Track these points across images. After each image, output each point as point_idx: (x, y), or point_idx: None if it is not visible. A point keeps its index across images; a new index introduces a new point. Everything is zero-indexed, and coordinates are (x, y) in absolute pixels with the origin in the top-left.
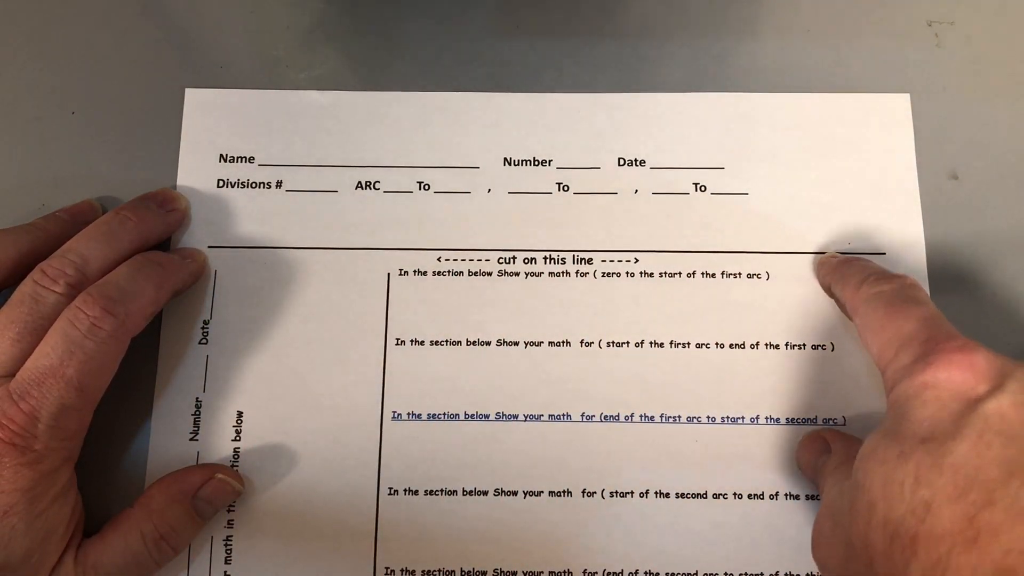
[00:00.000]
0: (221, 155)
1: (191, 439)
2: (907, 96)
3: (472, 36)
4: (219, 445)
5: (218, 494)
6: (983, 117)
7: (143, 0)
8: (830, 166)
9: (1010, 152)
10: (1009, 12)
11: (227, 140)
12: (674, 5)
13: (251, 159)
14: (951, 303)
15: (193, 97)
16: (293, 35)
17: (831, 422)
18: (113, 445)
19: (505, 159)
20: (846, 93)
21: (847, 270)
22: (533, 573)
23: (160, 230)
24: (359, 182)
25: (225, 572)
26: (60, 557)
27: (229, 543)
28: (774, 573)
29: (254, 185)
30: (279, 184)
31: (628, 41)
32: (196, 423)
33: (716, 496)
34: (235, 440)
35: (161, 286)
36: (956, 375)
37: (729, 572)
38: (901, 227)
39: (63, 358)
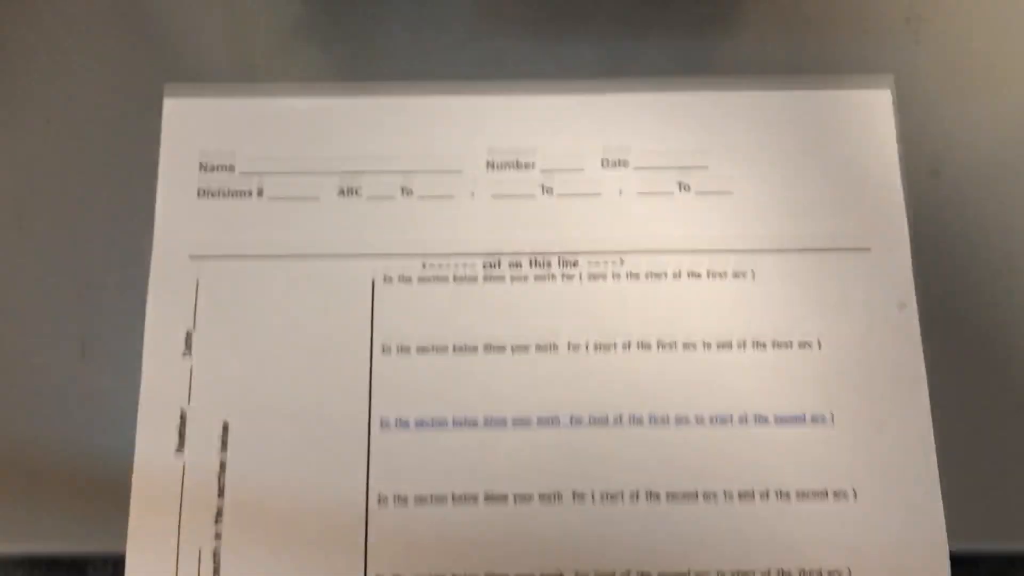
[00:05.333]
0: (201, 164)
1: (177, 451)
2: (888, 91)
3: (454, 29)
4: (205, 457)
5: None
6: (964, 112)
7: (119, 4)
8: (813, 163)
9: (991, 147)
10: (986, 7)
11: (207, 149)
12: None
13: (231, 168)
14: (936, 299)
15: (172, 105)
16: (272, 35)
17: (819, 419)
18: (97, 458)
19: (488, 162)
20: (827, 89)
21: None
22: None
23: None
24: (341, 188)
25: None
26: None
27: (217, 556)
28: (766, 571)
29: (235, 194)
30: (260, 192)
31: (609, 32)
32: (181, 435)
33: (706, 496)
34: (221, 452)
35: None
36: None
37: (720, 571)
38: (885, 223)
39: None
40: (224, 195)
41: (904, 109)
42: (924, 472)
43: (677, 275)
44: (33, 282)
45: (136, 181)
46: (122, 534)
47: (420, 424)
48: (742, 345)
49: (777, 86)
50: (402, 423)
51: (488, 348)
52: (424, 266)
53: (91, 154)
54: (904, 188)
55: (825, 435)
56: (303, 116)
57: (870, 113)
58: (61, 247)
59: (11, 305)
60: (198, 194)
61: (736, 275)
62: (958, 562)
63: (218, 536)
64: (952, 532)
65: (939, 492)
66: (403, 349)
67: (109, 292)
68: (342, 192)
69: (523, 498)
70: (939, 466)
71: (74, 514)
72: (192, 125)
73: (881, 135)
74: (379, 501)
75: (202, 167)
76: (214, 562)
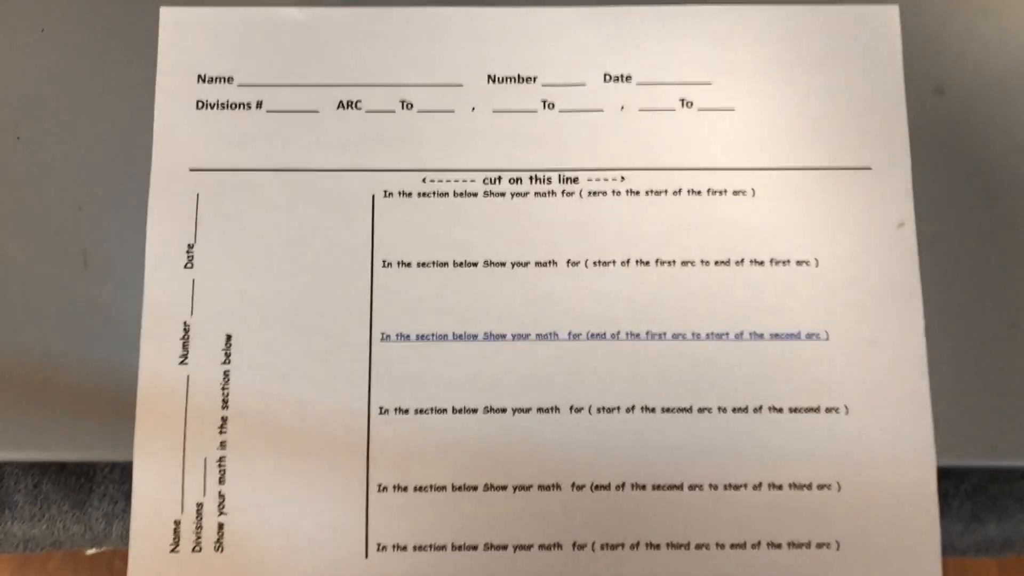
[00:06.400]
0: (199, 76)
1: (180, 363)
2: (896, 8)
3: None
4: (209, 369)
5: None
6: (971, 30)
7: None
8: (817, 80)
9: (997, 67)
10: None
11: (205, 60)
12: None
13: (230, 79)
14: (935, 219)
15: (169, 16)
16: None
17: (814, 336)
18: (103, 368)
19: (489, 76)
20: (834, 5)
21: None
22: (522, 487)
23: None
24: (340, 102)
25: (219, 492)
26: None
27: (223, 464)
28: (757, 484)
29: (234, 106)
30: (259, 105)
31: None
32: (185, 347)
33: (700, 410)
34: (225, 363)
35: None
36: None
37: (713, 484)
38: (887, 142)
39: None
40: (223, 108)
41: (910, 25)
42: (915, 389)
43: (677, 192)
44: (33, 194)
45: (134, 92)
46: (130, 443)
47: (421, 338)
48: (740, 262)
49: (783, 0)
50: (403, 336)
51: (488, 263)
52: (424, 181)
53: (88, 64)
54: (907, 106)
55: (820, 352)
56: (303, 28)
57: (876, 29)
58: (60, 158)
59: (12, 217)
60: (197, 106)
61: (736, 193)
62: (944, 475)
63: (223, 445)
64: (940, 447)
65: (929, 409)
66: (403, 263)
67: (110, 204)
68: (341, 105)
69: (522, 411)
70: (930, 383)
71: (82, 422)
72: (190, 36)
73: (887, 52)
74: (381, 412)
75: (200, 79)
76: (219, 470)
